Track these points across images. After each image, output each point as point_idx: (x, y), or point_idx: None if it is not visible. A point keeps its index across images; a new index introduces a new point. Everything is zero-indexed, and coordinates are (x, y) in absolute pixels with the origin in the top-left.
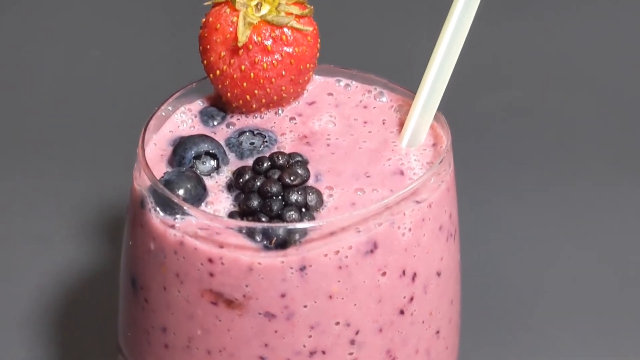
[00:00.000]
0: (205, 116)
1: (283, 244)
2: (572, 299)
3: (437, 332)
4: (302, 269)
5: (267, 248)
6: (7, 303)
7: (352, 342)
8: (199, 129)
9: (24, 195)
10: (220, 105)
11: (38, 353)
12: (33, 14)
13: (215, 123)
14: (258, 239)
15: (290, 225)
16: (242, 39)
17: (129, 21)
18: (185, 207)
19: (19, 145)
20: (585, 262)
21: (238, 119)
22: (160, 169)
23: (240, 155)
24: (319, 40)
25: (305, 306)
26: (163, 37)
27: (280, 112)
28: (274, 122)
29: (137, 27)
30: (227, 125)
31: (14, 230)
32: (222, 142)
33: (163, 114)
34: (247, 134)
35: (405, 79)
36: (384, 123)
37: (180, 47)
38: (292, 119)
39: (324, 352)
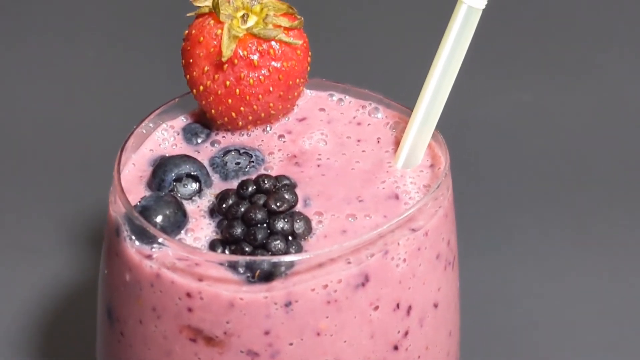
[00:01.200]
0: (189, 133)
1: (267, 276)
2: (577, 331)
3: None
4: (288, 304)
5: (250, 281)
6: None
7: None
8: (181, 147)
9: (9, 206)
10: (204, 122)
11: None
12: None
13: (199, 141)
14: (241, 271)
15: (275, 259)
16: (227, 53)
17: (106, 32)
18: (160, 239)
19: (3, 155)
20: (592, 290)
21: (223, 137)
22: (138, 192)
23: (225, 177)
24: (309, 53)
25: (291, 344)
26: (144, 50)
27: (268, 129)
28: (262, 140)
29: (115, 39)
30: (212, 144)
31: None
32: (206, 162)
33: (144, 131)
34: (233, 153)
35: (401, 95)
36: (378, 141)
37: (163, 60)
38: (280, 136)
39: None
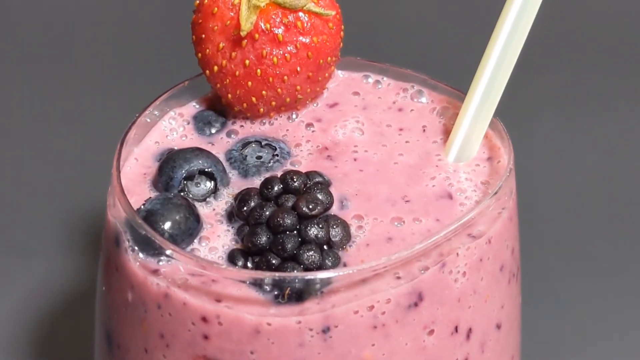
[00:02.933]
0: (201, 122)
1: (299, 295)
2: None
3: None
4: (325, 330)
5: (278, 302)
6: None
7: None
8: (192, 138)
9: (3, 207)
10: (219, 109)
11: None
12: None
13: (213, 131)
14: (267, 289)
15: (309, 275)
16: (246, 26)
17: (103, 5)
18: (169, 251)
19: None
20: None
21: (242, 126)
22: (142, 192)
23: (245, 173)
24: (342, 27)
25: None
26: (147, 25)
27: (294, 117)
28: (287, 130)
29: (113, 11)
30: (228, 134)
31: None
32: (222, 156)
33: (147, 120)
34: (253, 145)
35: (451, 75)
36: (424, 131)
37: (169, 37)
38: (309, 125)
39: None
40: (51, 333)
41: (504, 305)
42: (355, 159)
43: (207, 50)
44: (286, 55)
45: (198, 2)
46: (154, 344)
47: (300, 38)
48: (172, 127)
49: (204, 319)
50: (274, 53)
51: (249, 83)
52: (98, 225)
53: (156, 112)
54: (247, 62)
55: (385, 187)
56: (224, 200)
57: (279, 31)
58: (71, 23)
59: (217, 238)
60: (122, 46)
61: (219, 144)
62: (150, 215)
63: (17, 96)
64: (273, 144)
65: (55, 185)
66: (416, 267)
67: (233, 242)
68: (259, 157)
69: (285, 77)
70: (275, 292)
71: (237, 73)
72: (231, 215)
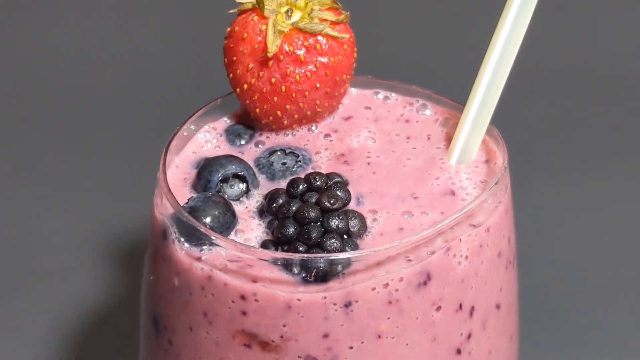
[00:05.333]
0: (232, 135)
1: (324, 276)
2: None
3: None
4: (347, 305)
5: (306, 282)
6: (20, 340)
7: None
8: (224, 149)
9: (36, 227)
10: (247, 123)
11: None
12: (47, 35)
13: (243, 142)
14: (296, 271)
15: (333, 256)
16: (273, 48)
17: (146, 33)
18: (213, 237)
19: (31, 174)
20: None
21: (267, 137)
22: (183, 194)
23: (272, 177)
24: (355, 49)
25: (350, 347)
26: (184, 50)
27: (313, 128)
28: (307, 140)
29: (155, 40)
30: (256, 144)
31: (26, 264)
32: (251, 163)
33: (185, 133)
34: (279, 153)
35: (451, 90)
36: (429, 138)
37: (202, 61)
38: (327, 135)
39: None
40: (85, 342)
41: (502, 288)
42: (368, 163)
43: (238, 70)
44: (307, 73)
45: (229, 29)
46: (198, 323)
47: (320, 58)
48: (207, 139)
49: (242, 297)
50: (297, 72)
51: (275, 98)
52: (129, 245)
53: (192, 127)
54: (273, 80)
55: (396, 187)
56: (255, 199)
57: (301, 52)
58: (115, 50)
59: (251, 231)
60: (166, 72)
61: (248, 153)
62: (194, 211)
63: (52, 115)
64: (296, 152)
65: (86, 205)
66: (424, 251)
67: (264, 234)
68: (284, 163)
69: (307, 93)
70: (303, 274)
71: (264, 90)
72: (262, 212)
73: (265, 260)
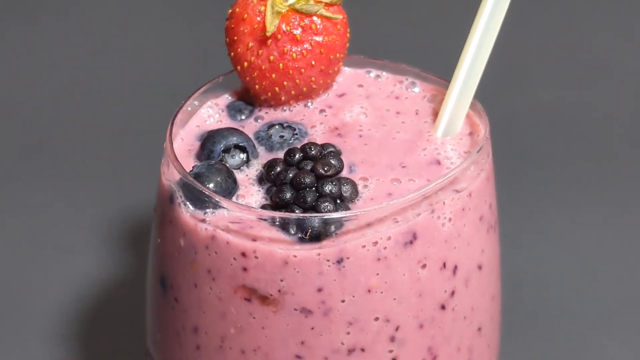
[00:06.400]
0: (233, 110)
1: (317, 236)
2: (617, 300)
3: (479, 329)
4: (340, 261)
5: (302, 240)
6: (29, 316)
7: (392, 339)
8: (226, 123)
9: (43, 206)
10: (247, 99)
11: None
12: (55, 10)
13: (243, 117)
14: (292, 231)
15: (327, 215)
16: (271, 28)
17: (152, 16)
18: (217, 199)
19: (38, 154)
20: (632, 261)
21: (266, 113)
22: (188, 163)
23: (270, 148)
24: (348, 30)
25: (343, 301)
26: (187, 30)
27: (309, 104)
28: (304, 115)
29: (160, 22)
30: (256, 119)
31: (33, 241)
32: (251, 136)
33: (189, 108)
34: (277, 127)
35: (437, 68)
36: (417, 113)
37: (205, 41)
38: (322, 111)
39: (363, 350)
40: (94, 318)
41: (483, 250)
42: (360, 136)
43: (239, 49)
44: (303, 51)
45: (230, 11)
46: (202, 280)
47: (315, 37)
48: (209, 114)
49: (243, 254)
50: (293, 50)
51: (273, 75)
52: (133, 222)
53: (196, 102)
54: (271, 57)
55: (386, 157)
56: (255, 168)
57: (297, 32)
58: (127, 27)
59: (251, 196)
60: (165, 52)
61: (248, 127)
62: (198, 177)
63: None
64: (293, 126)
65: (93, 186)
66: (411, 213)
67: (263, 200)
68: (282, 136)
69: (303, 70)
70: (299, 234)
71: (263, 67)
72: (261, 180)
73: (265, 220)
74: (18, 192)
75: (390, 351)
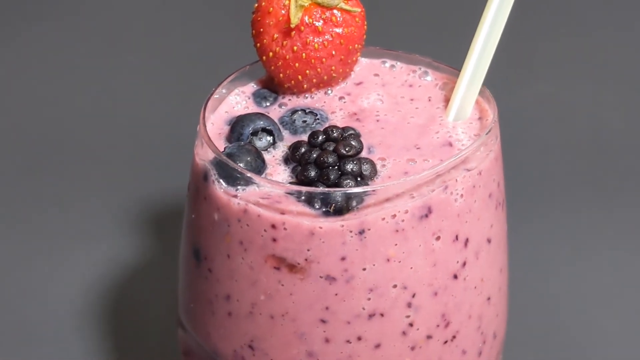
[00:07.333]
0: (258, 98)
1: (340, 210)
2: (620, 279)
3: (488, 299)
4: (361, 232)
5: (326, 214)
6: (59, 298)
7: (409, 305)
8: (252, 109)
9: (69, 195)
10: (272, 87)
11: (92, 344)
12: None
13: (268, 104)
14: (317, 206)
15: (349, 190)
16: (295, 20)
17: (185, 11)
18: (249, 175)
19: (63, 143)
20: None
21: (289, 100)
22: (219, 145)
23: (294, 132)
24: (365, 22)
25: (364, 269)
26: (216, 23)
27: (329, 92)
28: (324, 102)
29: (193, 18)
30: (280, 106)
31: (59, 228)
32: (276, 121)
33: (217, 96)
34: (299, 112)
35: (448, 58)
36: (429, 100)
37: (232, 33)
38: (341, 98)
39: (382, 315)
40: (121, 301)
41: (492, 225)
42: (377, 120)
43: (264, 40)
44: (324, 42)
45: (257, 4)
46: (234, 251)
47: (335, 29)
48: (237, 101)
49: (273, 226)
50: (315, 41)
51: (296, 64)
52: (156, 210)
53: (224, 90)
54: (295, 48)
55: (401, 139)
56: (281, 150)
57: (319, 24)
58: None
59: (278, 175)
60: (194, 44)
61: (273, 113)
62: (230, 156)
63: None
64: (314, 112)
65: (117, 176)
66: (425, 189)
67: (289, 178)
68: (304, 121)
69: (324, 59)
70: (324, 209)
71: (287, 57)
72: (287, 160)
73: (292, 194)
74: (44, 182)
75: (407, 316)
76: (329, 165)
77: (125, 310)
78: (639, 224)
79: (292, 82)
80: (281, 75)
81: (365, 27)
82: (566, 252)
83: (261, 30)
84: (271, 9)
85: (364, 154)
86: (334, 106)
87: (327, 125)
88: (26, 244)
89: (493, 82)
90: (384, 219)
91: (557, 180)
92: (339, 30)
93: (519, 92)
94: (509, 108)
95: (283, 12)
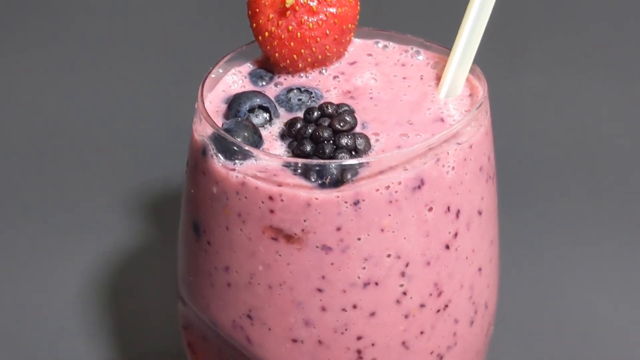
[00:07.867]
0: (255, 77)
1: (336, 182)
2: (607, 256)
3: (479, 269)
4: (356, 203)
5: (322, 186)
6: (61, 282)
7: (403, 274)
8: (249, 88)
9: (68, 179)
10: (268, 67)
11: (94, 325)
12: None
13: (264, 83)
14: (313, 179)
15: (344, 161)
16: (290, 1)
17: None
18: (247, 149)
19: (62, 127)
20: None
21: (285, 79)
22: (217, 122)
23: (290, 109)
24: (359, 2)
25: (359, 239)
26: (211, 5)
27: (324, 71)
28: (319, 81)
29: (189, 1)
30: (275, 85)
31: (58, 217)
32: (272, 99)
33: (214, 76)
34: (295, 91)
35: (440, 38)
36: (421, 78)
37: (228, 13)
38: (335, 77)
39: (376, 284)
40: (121, 283)
41: (483, 197)
42: (371, 98)
43: (260, 20)
44: (319, 22)
45: None
46: (233, 223)
47: (329, 9)
48: (234, 80)
49: (270, 198)
50: (310, 20)
51: (292, 44)
52: (152, 197)
53: (221, 70)
54: (290, 27)
55: (394, 115)
56: (277, 126)
57: (313, 4)
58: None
59: (274, 150)
60: (189, 26)
61: (269, 92)
62: (228, 132)
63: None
64: (310, 90)
65: (113, 165)
66: (418, 162)
67: (286, 153)
68: (300, 99)
69: (318, 39)
70: (319, 181)
71: (282, 36)
72: (283, 136)
73: (289, 166)
74: (47, 170)
75: (401, 285)
76: (324, 140)
77: (126, 291)
78: (626, 197)
79: (288, 61)
80: (277, 54)
81: (358, 7)
82: (556, 231)
83: (257, 10)
84: None
85: (358, 129)
86: (328, 85)
87: (321, 102)
88: (28, 225)
89: (484, 63)
90: (378, 190)
91: (545, 159)
92: (333, 9)
93: (510, 73)
94: (500, 88)
95: None
